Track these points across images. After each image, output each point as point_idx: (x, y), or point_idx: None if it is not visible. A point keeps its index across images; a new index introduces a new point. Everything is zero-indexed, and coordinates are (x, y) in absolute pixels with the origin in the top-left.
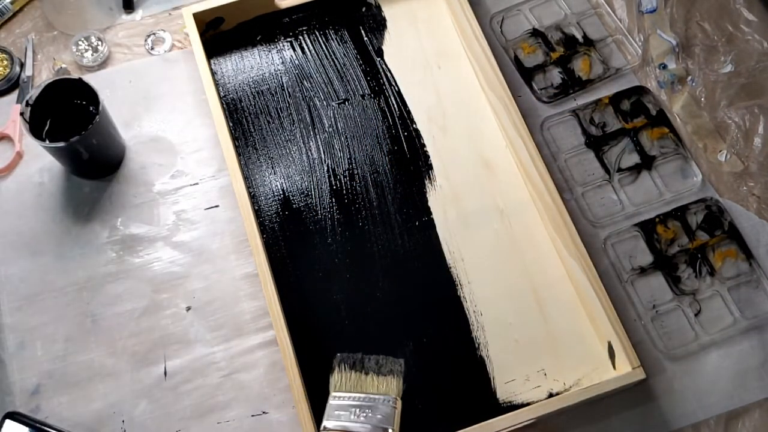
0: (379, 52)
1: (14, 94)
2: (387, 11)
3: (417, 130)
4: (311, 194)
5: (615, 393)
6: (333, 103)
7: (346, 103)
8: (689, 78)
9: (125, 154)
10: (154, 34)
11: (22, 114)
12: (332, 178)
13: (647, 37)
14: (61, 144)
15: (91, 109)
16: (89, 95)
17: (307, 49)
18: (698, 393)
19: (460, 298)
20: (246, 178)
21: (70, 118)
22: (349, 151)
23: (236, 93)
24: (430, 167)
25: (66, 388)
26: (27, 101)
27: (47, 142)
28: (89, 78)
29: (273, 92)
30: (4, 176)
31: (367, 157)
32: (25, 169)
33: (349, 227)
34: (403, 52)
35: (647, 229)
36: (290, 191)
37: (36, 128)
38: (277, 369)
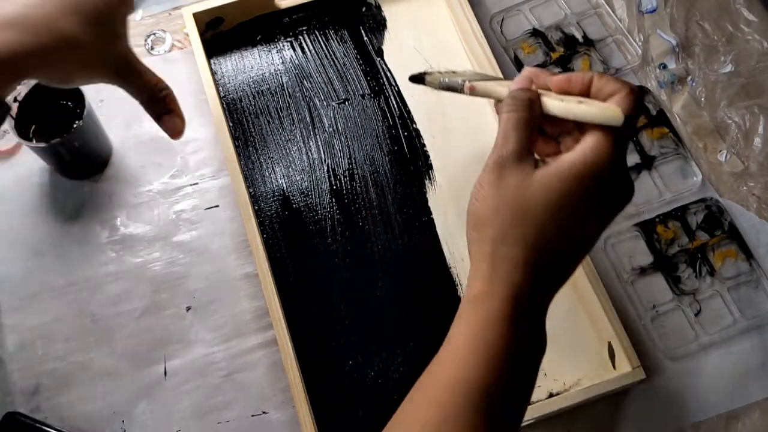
0: (379, 52)
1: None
2: (387, 11)
3: (417, 130)
4: (311, 194)
5: (615, 393)
6: (333, 103)
7: (346, 103)
8: (689, 78)
9: (121, 153)
10: (154, 34)
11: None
12: (332, 178)
13: (647, 37)
14: (42, 144)
15: (77, 110)
16: (77, 96)
17: (307, 49)
18: (698, 393)
19: (460, 298)
20: (246, 178)
21: (56, 118)
22: (349, 151)
23: (236, 93)
24: (430, 167)
25: (66, 388)
26: (15, 97)
27: (33, 141)
28: None
29: (273, 92)
30: (7, 158)
31: (367, 157)
32: (25, 169)
33: (349, 227)
34: (403, 52)
35: (647, 229)
36: (290, 191)
37: (22, 126)
38: (277, 369)
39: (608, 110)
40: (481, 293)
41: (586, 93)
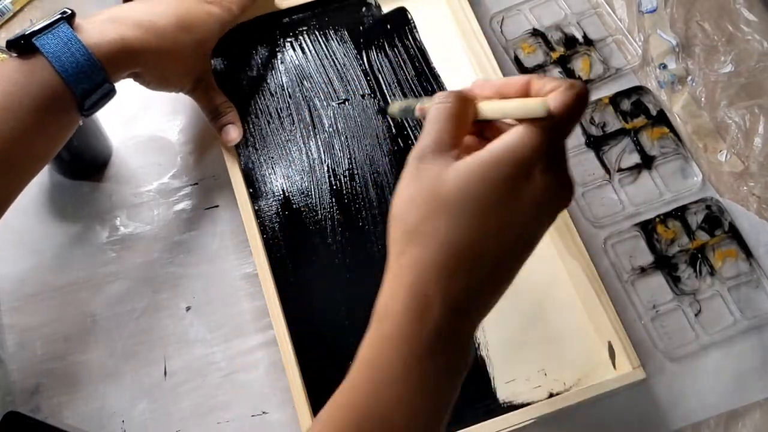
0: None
1: None
2: (387, 11)
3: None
4: (311, 194)
5: (615, 393)
6: (333, 103)
7: (346, 103)
8: (689, 78)
9: (121, 153)
10: None
11: None
12: (332, 178)
13: (647, 37)
14: None
15: None
16: None
17: (307, 49)
18: (698, 393)
19: None
20: (246, 178)
21: None
22: (349, 151)
23: (236, 93)
24: None
25: (66, 388)
26: None
27: None
28: None
29: (273, 92)
30: None
31: (367, 157)
32: None
33: (349, 227)
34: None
35: (647, 229)
36: (290, 191)
37: None
38: (277, 369)
39: (530, 102)
40: (380, 309)
41: (525, 95)
